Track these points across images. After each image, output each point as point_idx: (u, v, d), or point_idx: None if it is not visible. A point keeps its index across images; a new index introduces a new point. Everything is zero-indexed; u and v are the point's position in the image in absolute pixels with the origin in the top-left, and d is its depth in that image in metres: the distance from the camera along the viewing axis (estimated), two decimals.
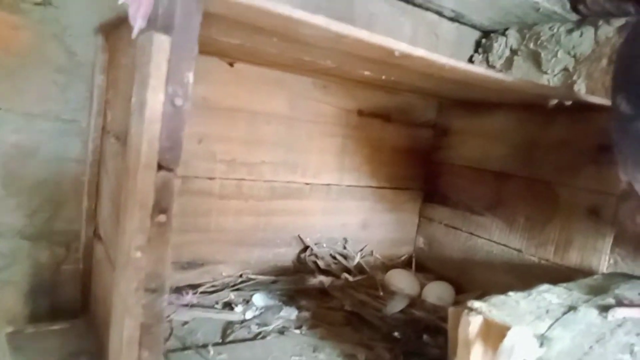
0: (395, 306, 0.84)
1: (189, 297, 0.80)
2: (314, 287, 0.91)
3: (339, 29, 0.43)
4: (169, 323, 0.72)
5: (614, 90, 0.49)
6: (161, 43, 0.35)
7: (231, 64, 0.85)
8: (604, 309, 0.53)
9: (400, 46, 0.46)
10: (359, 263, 1.03)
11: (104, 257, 0.61)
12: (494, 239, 1.00)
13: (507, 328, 0.46)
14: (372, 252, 1.11)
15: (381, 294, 0.89)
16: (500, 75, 0.59)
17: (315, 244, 1.01)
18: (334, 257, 1.02)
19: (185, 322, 0.73)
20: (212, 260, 0.89)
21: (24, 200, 0.73)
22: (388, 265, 1.09)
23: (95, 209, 0.71)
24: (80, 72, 0.73)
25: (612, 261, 0.89)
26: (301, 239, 1.00)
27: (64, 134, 0.74)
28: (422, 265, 1.14)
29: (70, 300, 0.77)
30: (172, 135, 0.37)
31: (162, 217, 0.37)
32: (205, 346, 0.66)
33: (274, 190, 0.94)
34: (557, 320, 0.49)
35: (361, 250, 1.08)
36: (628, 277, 0.72)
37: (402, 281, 0.97)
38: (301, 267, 0.99)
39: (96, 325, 0.65)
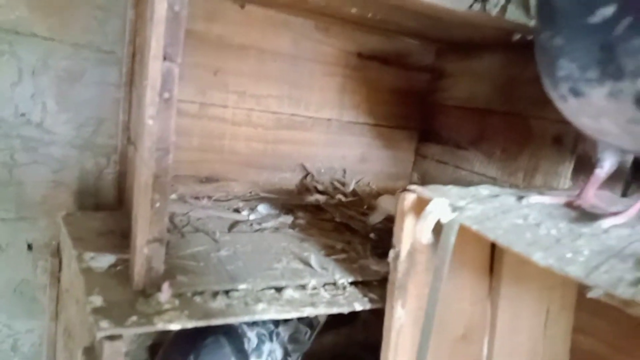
0: (376, 217, 0.97)
1: (205, 201, 0.96)
2: (310, 204, 1.06)
3: None
4: (186, 217, 0.89)
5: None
6: None
7: (242, 6, 0.98)
8: (522, 197, 0.65)
9: None
10: (354, 189, 1.17)
11: (134, 155, 0.77)
12: (475, 170, 1.11)
13: (430, 199, 0.59)
14: (369, 183, 1.25)
15: (365, 207, 1.03)
16: (448, 4, 0.70)
17: (317, 173, 1.16)
18: (333, 184, 1.17)
19: (200, 218, 0.90)
20: (226, 177, 1.05)
21: (72, 115, 0.90)
22: (383, 195, 1.22)
23: (129, 121, 0.88)
24: (116, 9, 0.89)
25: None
26: (304, 166, 1.15)
27: (103, 62, 0.90)
28: None
29: (110, 201, 0.96)
30: (173, 34, 0.51)
31: (166, 94, 0.52)
32: (214, 232, 0.83)
33: (280, 121, 1.09)
34: (476, 199, 0.62)
35: (358, 181, 1.22)
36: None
37: (390, 204, 1.10)
38: (303, 191, 1.14)
39: (127, 212, 0.83)
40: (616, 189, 0.89)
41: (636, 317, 0.71)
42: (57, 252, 0.83)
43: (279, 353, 0.92)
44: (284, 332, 0.98)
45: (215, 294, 0.60)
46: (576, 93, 0.55)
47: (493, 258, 0.75)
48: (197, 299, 0.59)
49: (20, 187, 0.89)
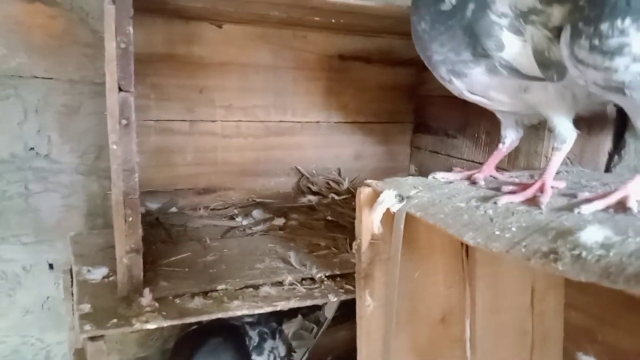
0: None
1: (202, 211, 1.03)
2: (304, 205, 1.11)
3: None
4: (183, 227, 0.96)
5: None
6: (109, 10, 0.56)
7: (219, 26, 1.04)
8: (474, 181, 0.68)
9: None
10: (348, 187, 1.20)
11: None
12: (464, 156, 1.13)
13: (381, 191, 0.63)
14: (365, 179, 1.27)
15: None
16: (352, 2, 0.74)
17: (311, 174, 1.21)
18: (328, 183, 1.21)
19: (196, 227, 0.97)
20: (223, 187, 1.12)
21: (75, 145, 0.99)
22: None
23: None
24: (103, 45, 0.96)
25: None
26: (298, 169, 1.20)
27: (97, 94, 0.99)
28: None
29: None
30: (124, 68, 0.57)
31: (124, 121, 0.58)
32: (205, 240, 0.89)
33: (269, 129, 1.14)
34: (427, 188, 0.65)
35: (353, 179, 1.25)
36: None
37: None
38: (298, 193, 1.19)
39: None
40: (600, 164, 0.89)
41: (620, 290, 0.72)
42: (70, 269, 0.91)
43: (282, 349, 0.97)
44: (287, 329, 1.03)
45: (193, 296, 0.66)
46: (457, 75, 0.59)
47: None
48: (177, 301, 0.65)
49: (37, 213, 0.99)
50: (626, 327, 0.75)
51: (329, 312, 1.11)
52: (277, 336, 0.98)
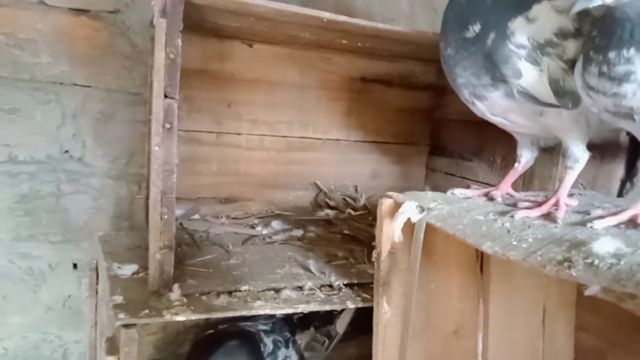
0: None
1: (223, 219, 1.07)
2: (322, 219, 1.14)
3: (277, 6, 0.66)
4: (206, 233, 0.99)
5: None
6: (161, 23, 0.61)
7: (250, 45, 1.10)
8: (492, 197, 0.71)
9: (325, 14, 0.69)
10: (364, 204, 1.24)
11: None
12: (479, 179, 1.16)
13: (402, 202, 0.66)
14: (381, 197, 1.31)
15: (371, 219, 1.10)
16: (380, 25, 0.78)
17: (329, 189, 1.24)
18: (345, 199, 1.24)
19: (218, 234, 1.00)
20: (244, 197, 1.16)
21: (107, 150, 1.04)
22: None
23: None
24: (140, 58, 1.03)
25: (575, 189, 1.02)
26: (317, 184, 1.24)
27: (132, 103, 1.05)
28: None
29: (141, 223, 1.08)
30: (171, 76, 0.62)
31: (167, 125, 0.63)
32: (227, 245, 0.93)
33: (290, 144, 1.19)
34: (447, 201, 0.68)
35: (369, 196, 1.28)
36: None
37: None
38: (316, 207, 1.22)
39: None
40: (612, 191, 0.92)
41: (631, 312, 0.73)
42: (95, 268, 0.95)
43: (294, 359, 0.99)
44: (300, 340, 1.05)
45: (219, 294, 0.69)
46: (478, 97, 0.63)
47: (483, 258, 0.80)
48: (203, 298, 0.68)
49: (66, 213, 1.03)
50: (638, 350, 0.76)
51: (341, 327, 1.13)
52: (291, 345, 1.00)
